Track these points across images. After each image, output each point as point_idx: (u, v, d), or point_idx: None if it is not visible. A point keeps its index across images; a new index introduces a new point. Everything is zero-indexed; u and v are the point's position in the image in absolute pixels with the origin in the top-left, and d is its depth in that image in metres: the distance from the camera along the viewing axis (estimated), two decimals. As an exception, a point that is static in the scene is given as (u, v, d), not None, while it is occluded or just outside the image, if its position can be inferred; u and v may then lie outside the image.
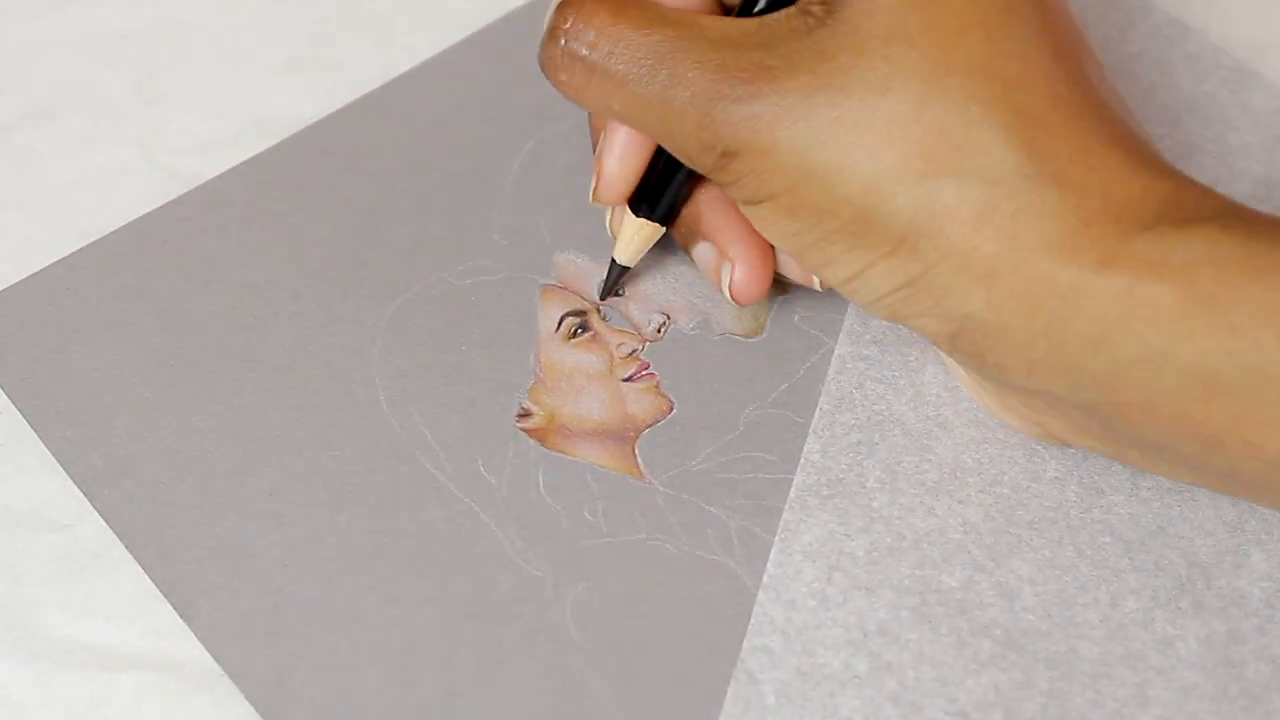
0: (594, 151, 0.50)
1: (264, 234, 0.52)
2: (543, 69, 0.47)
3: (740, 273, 0.48)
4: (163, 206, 0.54)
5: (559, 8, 0.45)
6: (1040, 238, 0.41)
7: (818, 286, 0.49)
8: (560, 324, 0.50)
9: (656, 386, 0.49)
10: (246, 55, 0.59)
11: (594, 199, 0.49)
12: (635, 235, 0.49)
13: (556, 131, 0.55)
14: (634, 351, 0.50)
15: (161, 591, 0.45)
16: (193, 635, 0.45)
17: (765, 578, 0.45)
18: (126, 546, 0.46)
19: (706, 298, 0.51)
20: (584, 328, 0.50)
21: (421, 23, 0.59)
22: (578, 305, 0.51)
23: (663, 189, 0.48)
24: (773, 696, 0.43)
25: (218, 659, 0.44)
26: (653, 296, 0.51)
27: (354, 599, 0.45)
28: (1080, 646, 0.44)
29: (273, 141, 0.55)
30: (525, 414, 0.48)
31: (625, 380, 0.49)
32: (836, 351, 0.50)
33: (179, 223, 0.53)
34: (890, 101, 0.42)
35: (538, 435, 0.48)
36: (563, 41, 0.45)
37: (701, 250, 0.49)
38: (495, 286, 0.51)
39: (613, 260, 0.50)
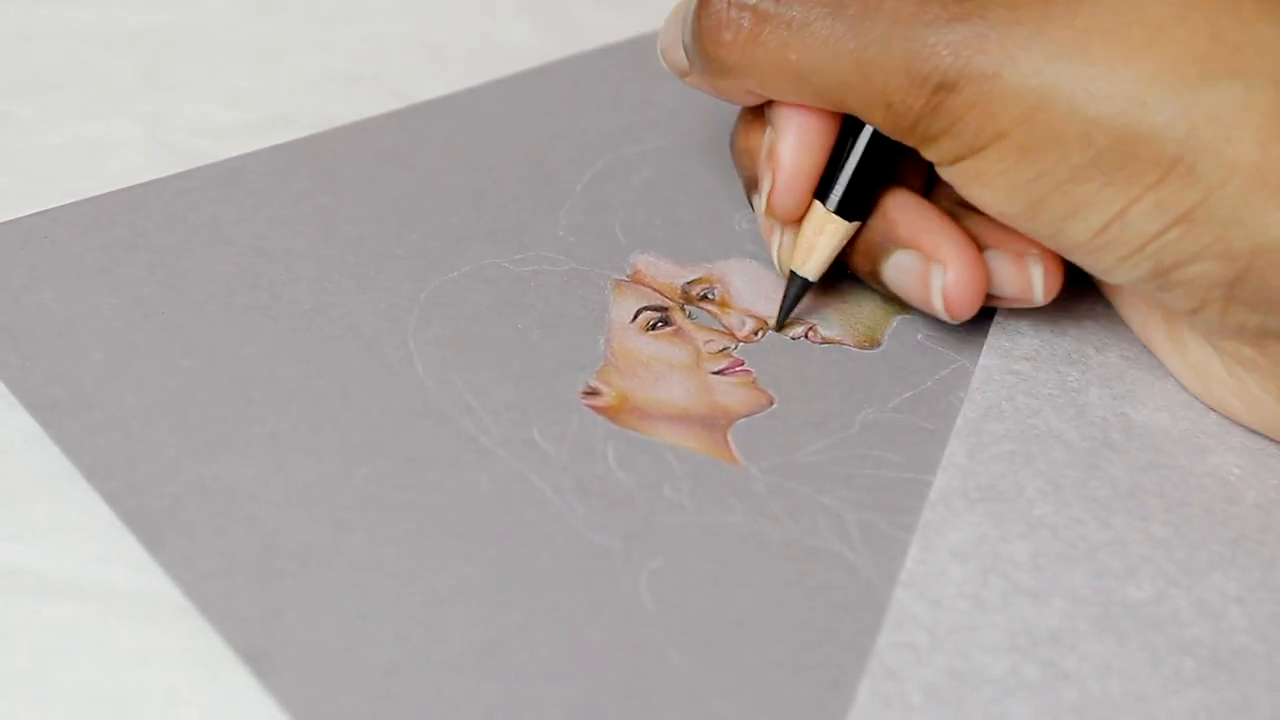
0: (741, 169, 0.44)
1: (286, 209, 0.46)
2: (697, 36, 0.40)
3: (954, 275, 0.40)
4: (167, 177, 0.46)
5: None
6: None
7: (1039, 296, 0.41)
8: (636, 316, 0.43)
9: (753, 382, 0.42)
10: (277, 59, 0.52)
11: (768, 209, 0.42)
12: (823, 237, 0.42)
13: (636, 151, 0.50)
14: (725, 348, 0.42)
15: (124, 522, 0.36)
16: (152, 568, 0.35)
17: (904, 574, 0.37)
18: (86, 476, 0.37)
19: (810, 310, 0.44)
20: (665, 322, 0.43)
21: (482, 54, 0.53)
22: (657, 301, 0.43)
23: (849, 182, 0.41)
24: (919, 695, 0.35)
25: (190, 595, 0.35)
26: (750, 308, 0.44)
27: (370, 550, 0.36)
28: (1313, 674, 0.35)
29: (301, 135, 0.48)
30: (593, 392, 0.41)
31: (715, 373, 0.42)
32: (981, 363, 0.43)
33: (185, 192, 0.46)
34: (1146, 4, 0.36)
35: (607, 413, 0.40)
36: None
37: (899, 262, 0.41)
38: (559, 276, 0.44)
39: (791, 274, 0.43)
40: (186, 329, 0.41)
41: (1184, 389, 0.42)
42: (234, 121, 0.49)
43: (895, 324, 0.44)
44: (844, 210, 0.41)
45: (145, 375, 0.39)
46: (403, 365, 0.41)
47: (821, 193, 0.41)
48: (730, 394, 0.41)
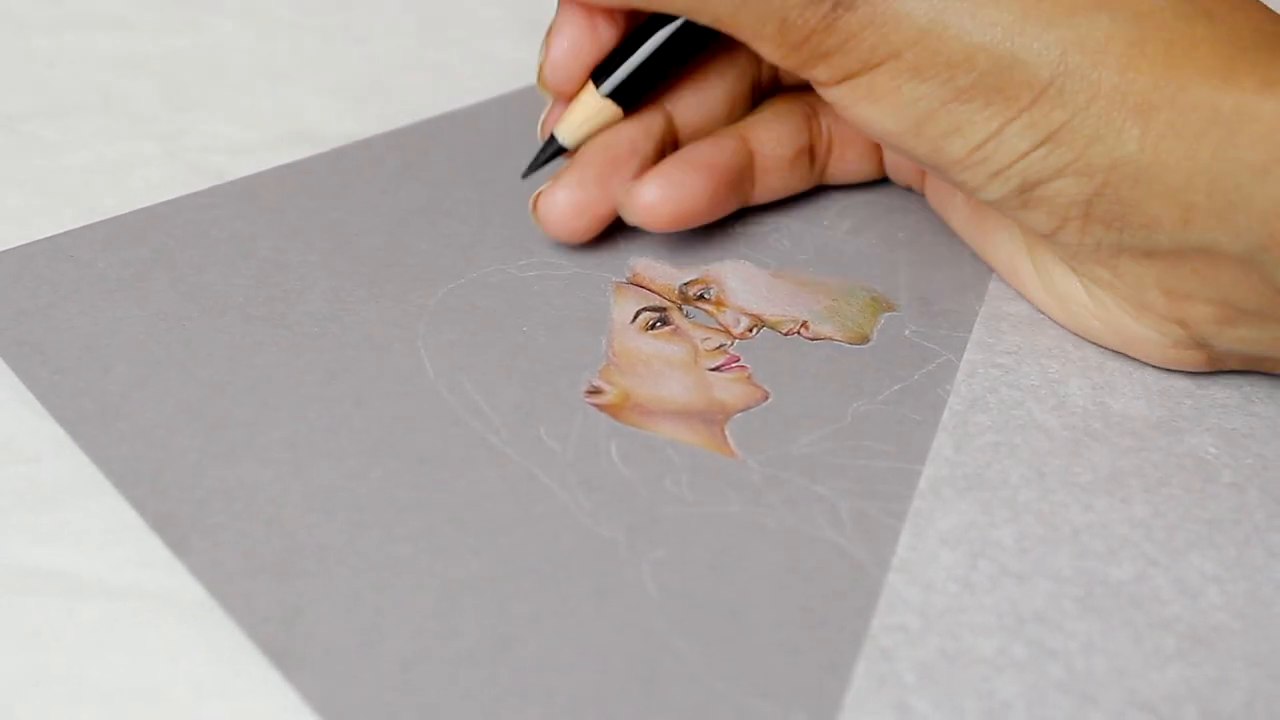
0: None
1: (299, 223, 0.46)
2: None
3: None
4: (186, 195, 0.46)
5: None
6: (1198, 66, 0.36)
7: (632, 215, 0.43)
8: (636, 316, 0.43)
9: (749, 377, 0.42)
10: (287, 78, 0.52)
11: (540, 83, 0.43)
12: (585, 112, 0.43)
13: (633, 160, 0.48)
14: (721, 346, 0.42)
15: (152, 527, 0.36)
16: (179, 569, 0.35)
17: (896, 560, 0.37)
18: (114, 483, 0.37)
19: (804, 309, 0.44)
20: (663, 322, 0.43)
21: (482, 71, 0.53)
22: (656, 302, 0.43)
23: (628, 75, 0.43)
24: (912, 675, 0.34)
25: (215, 595, 0.35)
26: (745, 306, 0.43)
27: (385, 548, 0.36)
28: (1287, 648, 0.35)
29: (313, 151, 0.48)
30: (596, 391, 0.41)
31: (713, 370, 0.41)
32: (966, 357, 0.43)
33: (203, 209, 0.46)
34: None
35: (610, 411, 0.40)
36: None
37: None
38: (562, 280, 0.44)
39: (551, 136, 0.44)
40: (207, 340, 0.41)
41: (1159, 379, 0.42)
42: (248, 139, 0.49)
43: (884, 321, 0.44)
44: (617, 97, 0.43)
45: (168, 385, 0.39)
46: (414, 369, 0.41)
47: (598, 77, 0.43)
48: (727, 390, 0.41)
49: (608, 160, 0.43)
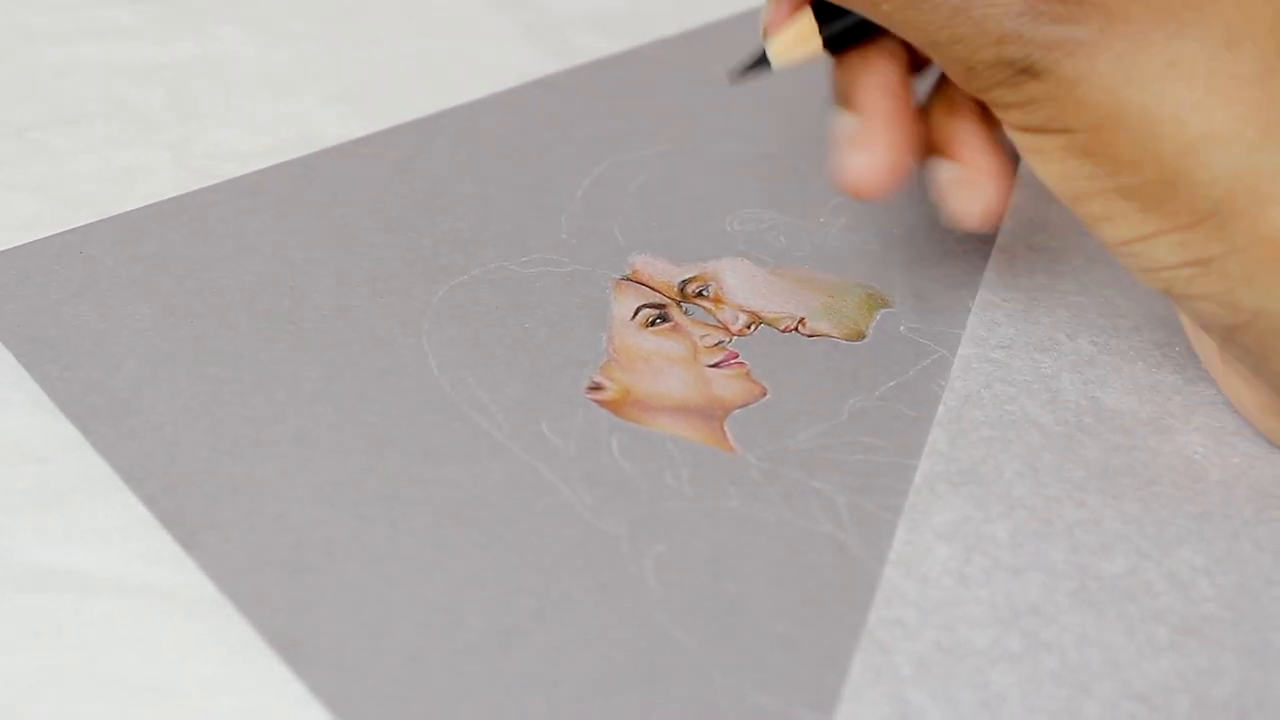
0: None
1: (304, 220, 0.46)
2: None
3: (863, 150, 0.40)
4: (192, 192, 0.46)
5: None
6: None
7: (970, 224, 0.40)
8: (636, 313, 0.43)
9: (747, 373, 0.41)
10: (292, 85, 0.52)
11: None
12: (799, 38, 0.41)
13: (632, 158, 0.50)
14: (720, 342, 0.42)
15: (161, 522, 0.36)
16: (189, 565, 0.35)
17: (893, 554, 0.37)
18: (124, 479, 0.37)
19: (801, 305, 0.43)
20: (663, 319, 0.43)
21: (480, 73, 0.53)
22: (655, 299, 0.43)
23: (849, 22, 0.40)
24: (908, 668, 0.34)
25: (224, 590, 0.35)
26: (743, 303, 0.43)
27: (391, 542, 0.36)
28: (1275, 639, 0.36)
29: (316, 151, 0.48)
30: (597, 387, 0.41)
31: (711, 366, 0.41)
32: (960, 352, 0.43)
33: (209, 206, 0.46)
34: (1235, 56, 0.35)
35: (611, 406, 0.40)
36: None
37: (839, 117, 0.41)
38: (563, 277, 0.44)
39: (764, 51, 0.41)
40: (214, 336, 0.41)
41: (1149, 373, 0.42)
42: (255, 146, 0.49)
43: (879, 317, 0.44)
44: (831, 41, 0.40)
45: (177, 381, 0.39)
46: (418, 365, 0.41)
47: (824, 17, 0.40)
48: (726, 386, 0.41)
49: (895, 115, 0.40)
